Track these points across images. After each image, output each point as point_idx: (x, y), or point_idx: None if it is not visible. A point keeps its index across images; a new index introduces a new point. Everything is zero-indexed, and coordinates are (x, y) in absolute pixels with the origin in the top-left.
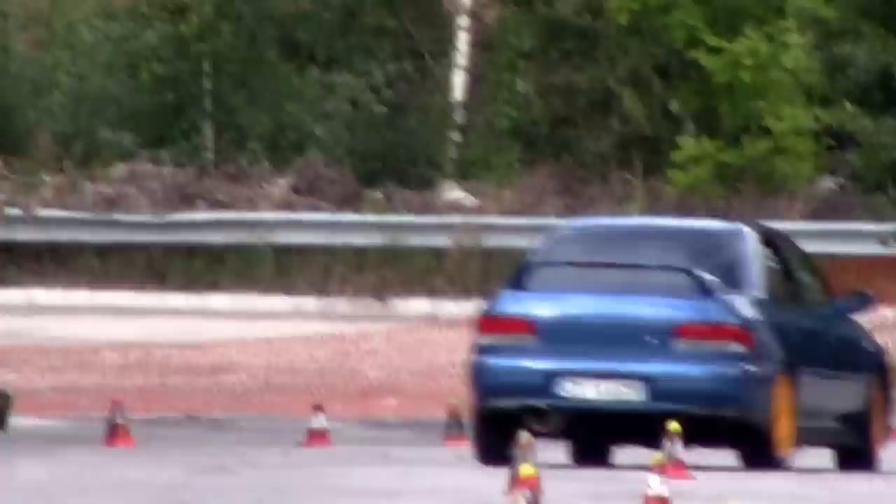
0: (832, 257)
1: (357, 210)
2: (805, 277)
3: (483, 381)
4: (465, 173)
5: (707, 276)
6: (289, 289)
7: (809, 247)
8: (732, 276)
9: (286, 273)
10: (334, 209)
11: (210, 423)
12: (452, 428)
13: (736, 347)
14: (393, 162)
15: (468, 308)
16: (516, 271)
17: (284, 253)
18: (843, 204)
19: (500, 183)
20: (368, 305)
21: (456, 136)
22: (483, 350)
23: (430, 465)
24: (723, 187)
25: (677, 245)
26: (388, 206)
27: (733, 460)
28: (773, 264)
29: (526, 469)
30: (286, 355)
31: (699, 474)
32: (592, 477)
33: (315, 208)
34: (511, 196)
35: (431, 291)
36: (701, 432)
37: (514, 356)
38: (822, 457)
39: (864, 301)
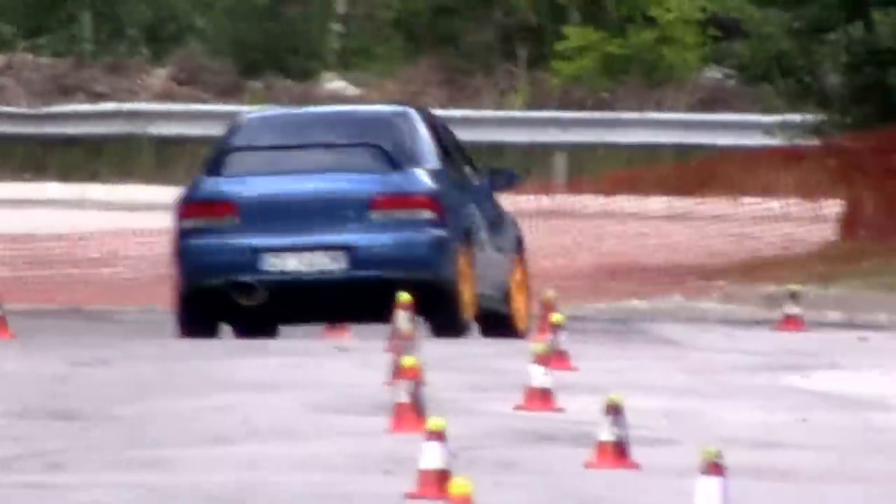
0: (719, 148)
1: (238, 101)
2: (461, 158)
3: (189, 262)
4: (346, 64)
5: (394, 151)
6: (169, 180)
7: (695, 138)
8: (410, 153)
9: (166, 164)
10: (215, 100)
11: (91, 315)
12: None
13: (426, 214)
14: (274, 52)
15: None
16: (213, 157)
17: (164, 144)
18: (728, 95)
19: (383, 73)
20: None
21: (337, 26)
22: (187, 233)
23: (311, 356)
24: (608, 78)
25: (354, 128)
26: (270, 96)
27: (615, 354)
28: (438, 144)
29: (408, 360)
30: (165, 247)
31: (582, 365)
32: (473, 368)
33: (195, 99)
34: (393, 87)
35: None
36: (386, 295)
37: (218, 236)
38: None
39: (511, 180)
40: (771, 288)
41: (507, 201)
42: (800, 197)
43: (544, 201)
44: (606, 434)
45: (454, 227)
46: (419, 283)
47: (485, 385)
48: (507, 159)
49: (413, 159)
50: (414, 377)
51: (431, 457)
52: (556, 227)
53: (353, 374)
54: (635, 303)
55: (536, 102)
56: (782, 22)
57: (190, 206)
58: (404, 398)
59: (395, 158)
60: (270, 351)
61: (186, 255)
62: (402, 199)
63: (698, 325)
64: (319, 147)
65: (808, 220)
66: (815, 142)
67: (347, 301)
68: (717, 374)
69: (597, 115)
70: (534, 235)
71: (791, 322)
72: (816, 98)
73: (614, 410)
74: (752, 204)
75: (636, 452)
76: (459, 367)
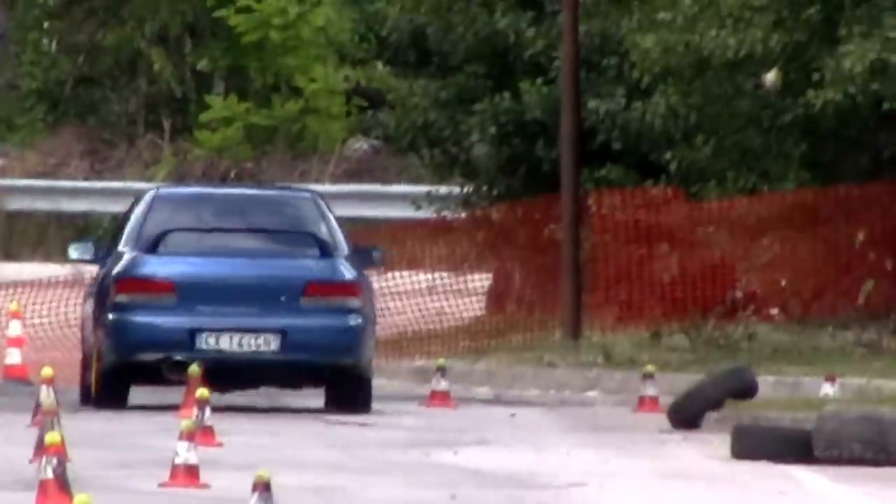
0: (365, 220)
1: None
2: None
3: (123, 337)
4: None
5: (327, 239)
6: None
7: (343, 210)
8: (333, 240)
9: None
10: None
11: None
12: None
13: (352, 303)
14: None
15: None
16: (149, 236)
17: None
18: (375, 165)
19: (25, 144)
20: None
21: None
22: (121, 308)
23: None
24: (252, 148)
25: (275, 212)
26: None
27: (263, 429)
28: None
29: (51, 437)
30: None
31: (230, 440)
32: (120, 444)
33: None
34: (35, 157)
35: None
36: (314, 377)
37: (156, 314)
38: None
39: (373, 257)
40: (420, 362)
41: None
42: (448, 270)
43: None
44: None
45: (370, 313)
46: (343, 368)
47: (132, 462)
48: None
49: (336, 246)
50: (58, 453)
51: None
52: None
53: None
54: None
55: (181, 173)
56: (429, 92)
57: (127, 282)
58: (49, 475)
59: (325, 246)
60: None
61: (120, 329)
62: (333, 288)
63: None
64: (254, 231)
65: (455, 293)
66: (462, 213)
67: (277, 379)
68: (366, 449)
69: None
70: None
71: (440, 398)
72: (463, 169)
73: (263, 487)
74: (399, 277)
75: None
76: (108, 444)
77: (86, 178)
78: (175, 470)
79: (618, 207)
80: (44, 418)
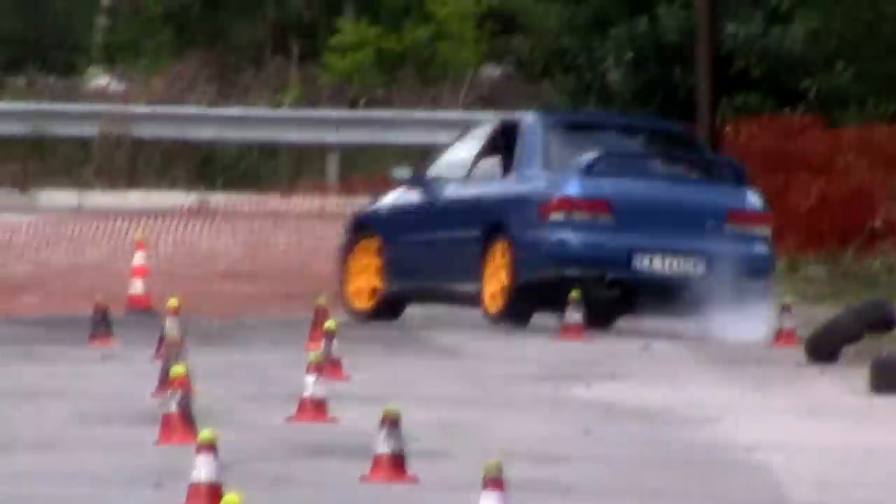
0: None
1: None
2: None
3: (562, 252)
4: (112, 59)
5: (740, 167)
6: None
7: None
8: (740, 167)
9: None
10: None
11: None
12: (99, 327)
13: (766, 231)
14: (36, 46)
15: (116, 200)
16: (586, 159)
17: None
18: (507, 92)
19: (150, 69)
20: (10, 196)
21: (103, 19)
22: (560, 226)
23: (76, 363)
24: (383, 74)
25: (669, 140)
26: (31, 92)
27: (391, 362)
28: None
29: (177, 369)
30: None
31: (356, 375)
32: (247, 378)
33: None
34: (161, 83)
35: (78, 182)
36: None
37: (595, 232)
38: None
39: None
40: None
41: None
42: None
43: (317, 202)
44: (382, 447)
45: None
46: (755, 292)
47: (259, 395)
48: (281, 159)
49: (745, 176)
50: (183, 386)
51: (202, 470)
52: (329, 230)
53: (119, 383)
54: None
55: (309, 100)
56: (564, 16)
57: (565, 201)
58: (173, 408)
59: (740, 175)
60: (33, 357)
61: (556, 245)
62: (751, 216)
63: (476, 333)
64: (675, 158)
65: None
66: None
67: (700, 302)
68: (496, 384)
69: (371, 113)
70: (309, 237)
71: (572, 330)
72: (598, 95)
73: (390, 422)
74: None
75: (414, 466)
76: (234, 377)
77: (211, 104)
78: (302, 404)
79: (755, 135)
80: (168, 350)
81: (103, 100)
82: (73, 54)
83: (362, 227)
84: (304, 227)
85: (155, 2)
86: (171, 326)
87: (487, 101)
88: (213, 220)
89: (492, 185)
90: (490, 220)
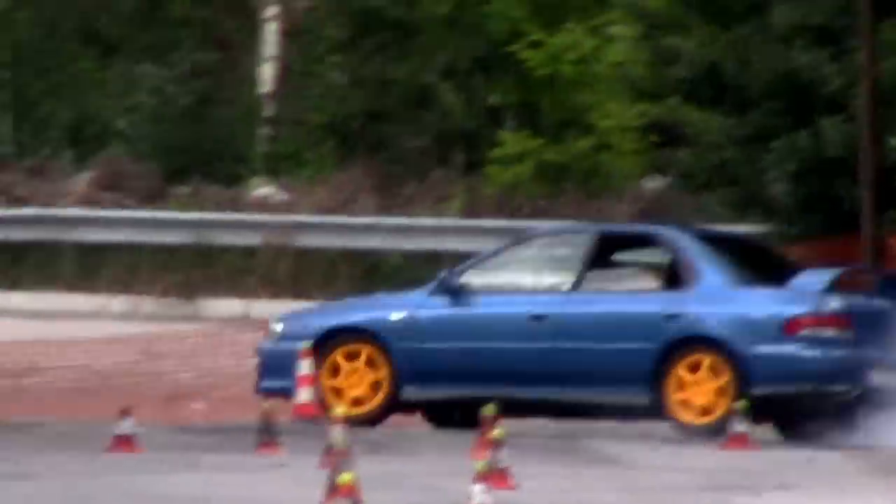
0: None
1: (163, 206)
2: None
3: (806, 367)
4: (275, 169)
5: None
6: (93, 287)
7: None
8: None
9: (90, 271)
10: (139, 205)
11: (11, 427)
12: (265, 434)
13: None
14: (200, 156)
15: (280, 309)
16: (828, 275)
17: (87, 250)
18: (670, 204)
19: (313, 179)
20: (176, 305)
21: (266, 129)
22: (805, 340)
23: (242, 471)
24: (545, 185)
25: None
26: (195, 202)
27: (558, 471)
28: None
29: (344, 477)
30: (91, 357)
31: (526, 482)
32: (413, 486)
33: (119, 204)
34: (324, 193)
35: (242, 291)
36: None
37: (838, 347)
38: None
39: None
40: None
41: None
42: None
43: None
44: None
45: None
46: None
47: (424, 503)
48: (443, 267)
49: None
50: (351, 495)
51: None
52: None
53: (287, 491)
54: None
55: (472, 210)
56: (726, 129)
57: (811, 317)
58: None
59: None
60: (202, 466)
61: (804, 361)
62: None
63: (638, 443)
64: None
65: None
66: None
67: None
68: (664, 493)
69: (535, 223)
70: None
71: (738, 440)
72: (761, 207)
73: None
74: None
75: None
76: (399, 485)
77: (375, 214)
78: None
79: None
80: (335, 459)
81: (267, 209)
82: (236, 164)
83: None
84: None
85: (318, 112)
86: (338, 435)
87: (650, 212)
88: None
89: (654, 297)
90: (676, 334)
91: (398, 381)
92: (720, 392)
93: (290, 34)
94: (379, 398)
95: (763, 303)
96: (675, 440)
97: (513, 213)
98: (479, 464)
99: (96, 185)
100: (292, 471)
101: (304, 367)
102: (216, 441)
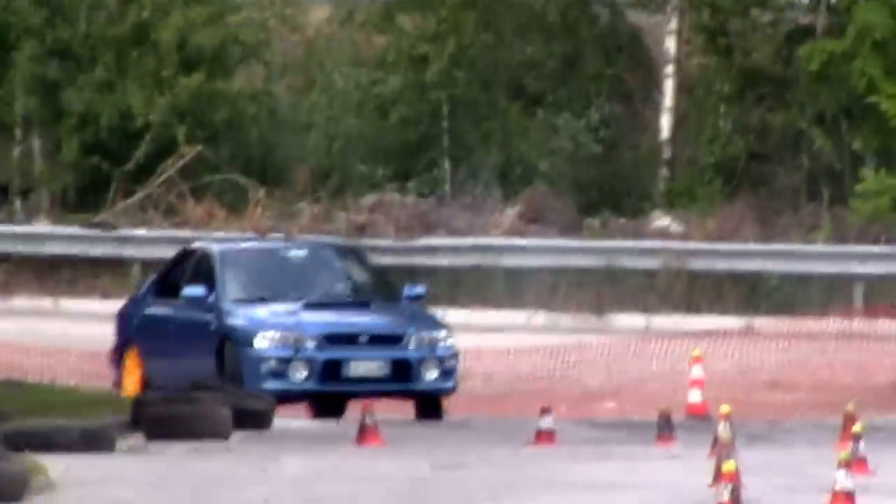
0: None
1: (578, 235)
2: None
3: None
4: (672, 203)
5: None
6: (518, 305)
7: None
8: None
9: (516, 291)
10: (557, 234)
11: (450, 425)
12: (663, 429)
13: None
14: (609, 193)
15: (677, 322)
16: None
17: (514, 273)
18: None
19: (704, 212)
20: (588, 320)
21: (664, 170)
22: None
23: (645, 461)
24: None
25: None
26: (605, 232)
27: None
28: None
29: (728, 465)
30: (515, 364)
31: (880, 470)
32: (784, 472)
33: (540, 234)
34: (713, 224)
35: (644, 308)
36: None
37: None
38: None
39: None
40: None
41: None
42: None
43: (845, 325)
44: None
45: None
46: None
47: (796, 487)
48: (813, 288)
49: None
50: (733, 480)
51: None
52: (855, 348)
53: (680, 477)
54: None
55: (838, 237)
56: None
57: None
58: (725, 497)
59: None
60: (612, 456)
61: None
62: None
63: None
64: None
65: None
66: None
67: None
68: None
69: (893, 249)
70: (838, 355)
71: None
72: None
73: None
74: None
75: None
76: (773, 471)
77: (756, 241)
78: (835, 495)
79: None
80: (720, 449)
81: (664, 238)
82: (639, 199)
83: None
84: (833, 346)
85: (708, 154)
86: (723, 429)
87: None
88: (758, 340)
89: None
90: None
91: None
92: None
93: (685, 88)
94: None
95: None
96: None
97: (874, 241)
98: (843, 453)
99: (521, 218)
100: (684, 461)
101: (696, 371)
102: (622, 435)
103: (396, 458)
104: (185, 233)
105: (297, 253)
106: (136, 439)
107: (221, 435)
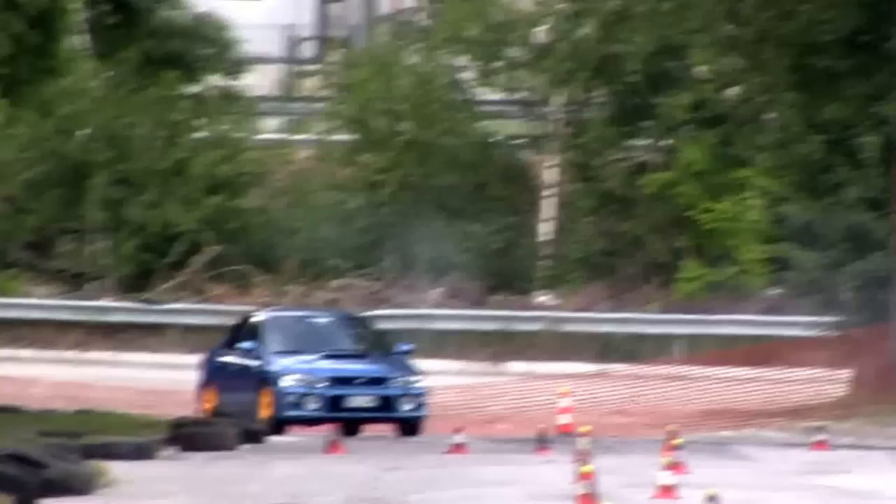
0: None
1: (484, 307)
2: None
3: None
4: (550, 285)
5: None
6: (442, 356)
7: None
8: None
9: (440, 346)
10: (469, 307)
11: (394, 439)
12: (541, 443)
13: None
14: (506, 278)
15: (552, 368)
16: None
17: (438, 334)
18: None
19: (572, 291)
20: (490, 367)
21: (544, 262)
22: None
23: (528, 465)
24: None
25: None
26: (503, 304)
27: (718, 464)
28: None
29: (586, 468)
30: (441, 397)
31: (695, 471)
32: (625, 473)
33: (458, 306)
34: (579, 299)
35: (530, 357)
36: None
37: None
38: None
39: None
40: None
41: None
42: None
43: (670, 370)
44: None
45: None
46: None
47: (634, 483)
48: (647, 343)
49: None
50: (589, 478)
51: None
52: (677, 386)
53: (553, 476)
54: (727, 433)
55: (665, 308)
56: None
57: None
58: (583, 491)
59: None
60: (505, 462)
61: None
62: None
63: (767, 446)
64: None
65: None
66: None
67: None
68: (775, 475)
69: (704, 316)
70: (663, 391)
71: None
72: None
73: (710, 500)
74: None
75: None
76: (618, 472)
77: (608, 311)
78: (661, 488)
79: None
80: (581, 457)
81: (544, 308)
82: (527, 282)
83: None
84: (661, 385)
85: (575, 251)
86: (583, 443)
87: None
88: (609, 380)
89: None
90: None
91: None
92: None
93: (560, 204)
94: None
95: None
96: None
97: (678, 311)
98: (666, 459)
99: (444, 295)
100: (556, 465)
101: (564, 401)
102: (513, 447)
103: (354, 462)
104: (208, 306)
105: (322, 319)
106: (172, 450)
107: (230, 447)
